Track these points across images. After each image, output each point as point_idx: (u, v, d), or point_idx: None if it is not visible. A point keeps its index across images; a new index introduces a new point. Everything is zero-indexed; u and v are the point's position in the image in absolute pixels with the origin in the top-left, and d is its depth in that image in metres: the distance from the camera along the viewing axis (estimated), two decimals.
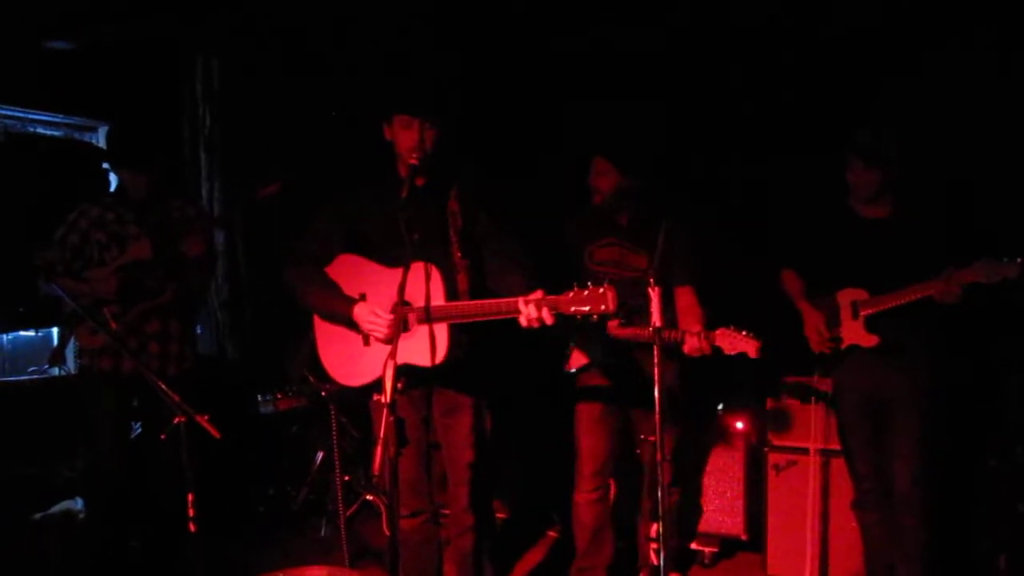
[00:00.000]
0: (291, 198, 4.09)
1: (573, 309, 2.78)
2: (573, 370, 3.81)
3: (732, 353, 3.37)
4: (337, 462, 4.40)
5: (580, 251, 3.83)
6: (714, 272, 3.80)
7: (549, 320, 2.83)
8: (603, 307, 2.75)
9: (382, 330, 3.04)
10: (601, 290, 2.75)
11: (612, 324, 3.61)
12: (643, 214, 3.75)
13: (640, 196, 3.74)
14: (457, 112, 3.71)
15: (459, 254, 3.16)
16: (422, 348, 3.01)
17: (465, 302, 3.02)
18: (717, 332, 3.38)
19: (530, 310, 2.83)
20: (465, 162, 3.51)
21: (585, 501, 3.79)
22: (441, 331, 3.01)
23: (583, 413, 3.80)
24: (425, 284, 2.99)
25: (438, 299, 3.01)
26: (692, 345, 3.44)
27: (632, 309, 3.55)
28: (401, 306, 2.79)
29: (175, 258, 3.90)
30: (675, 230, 3.67)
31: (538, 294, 2.84)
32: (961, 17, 4.21)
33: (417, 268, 2.96)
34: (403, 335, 2.98)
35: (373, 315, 3.06)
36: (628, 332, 3.60)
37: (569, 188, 4.58)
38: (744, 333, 3.34)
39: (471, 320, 2.98)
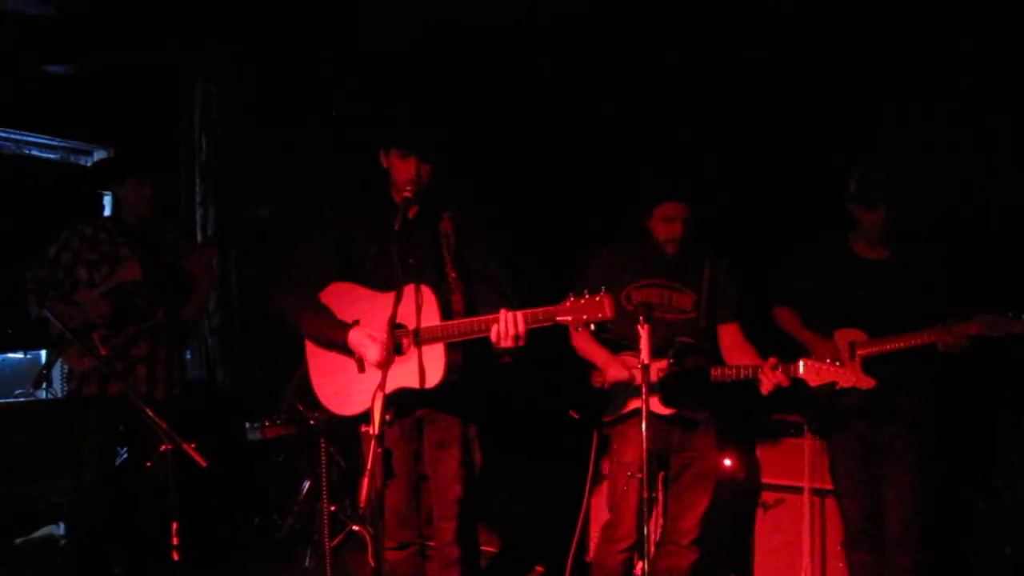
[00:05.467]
0: (284, 225, 4.10)
1: (571, 318, 2.77)
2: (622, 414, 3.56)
3: (817, 385, 3.24)
4: (325, 492, 4.37)
5: (615, 291, 3.53)
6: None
7: (522, 328, 2.81)
8: (600, 315, 2.73)
9: (374, 355, 3.02)
10: (598, 298, 2.73)
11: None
12: (688, 253, 3.58)
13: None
14: (453, 143, 3.71)
15: (454, 275, 3.15)
16: (418, 370, 3.00)
17: (457, 321, 3.00)
18: (799, 362, 3.24)
19: (507, 326, 2.82)
20: (464, 187, 3.51)
21: (622, 559, 3.56)
22: (437, 352, 2.99)
23: (625, 468, 3.49)
24: (417, 306, 2.98)
25: (433, 319, 2.99)
26: (772, 380, 3.27)
27: (681, 348, 3.46)
28: (394, 329, 2.79)
29: (166, 282, 3.90)
30: (718, 266, 3.61)
31: (519, 312, 2.83)
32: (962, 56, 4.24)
33: (410, 291, 2.96)
34: (399, 358, 2.98)
35: (368, 338, 3.04)
36: (732, 373, 3.43)
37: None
38: (829, 362, 3.20)
39: (464, 338, 2.95)
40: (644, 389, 2.85)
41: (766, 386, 3.30)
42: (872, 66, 4.42)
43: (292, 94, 5.55)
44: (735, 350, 3.58)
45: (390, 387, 2.68)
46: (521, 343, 2.85)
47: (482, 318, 2.92)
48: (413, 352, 3.00)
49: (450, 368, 2.99)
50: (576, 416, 3.69)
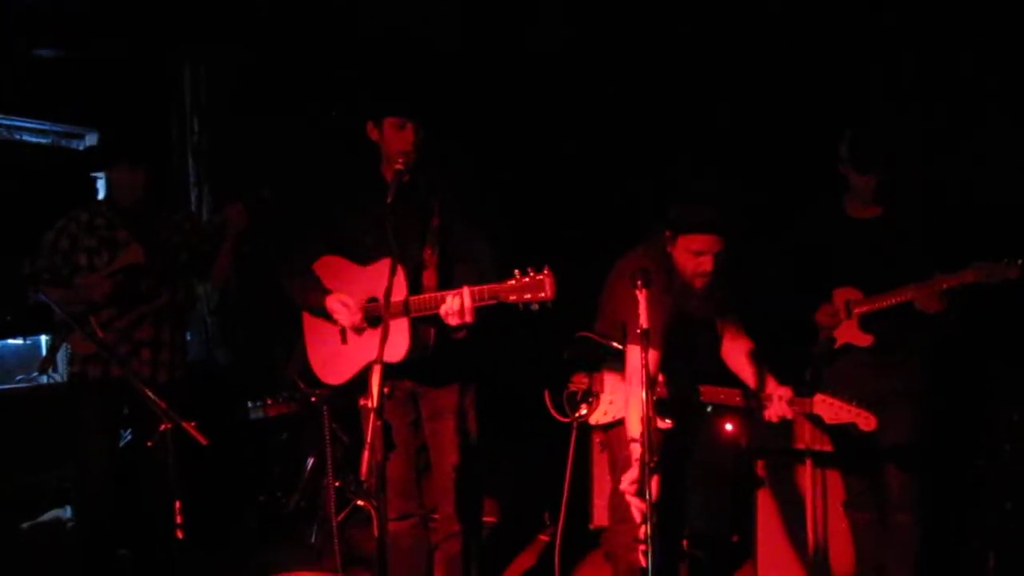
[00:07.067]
0: (281, 205, 4.09)
1: (513, 297, 2.78)
2: (597, 423, 3.43)
3: (833, 423, 3.12)
4: (331, 467, 4.38)
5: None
6: None
7: (469, 312, 2.86)
8: (542, 295, 2.74)
9: (346, 319, 3.12)
10: (540, 276, 2.74)
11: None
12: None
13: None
14: (450, 124, 3.70)
15: (430, 251, 3.17)
16: (388, 344, 3.02)
17: (416, 297, 3.03)
18: (815, 399, 3.11)
19: (453, 302, 2.86)
20: (456, 163, 3.51)
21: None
22: (401, 327, 3.03)
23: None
24: (389, 280, 2.98)
25: (400, 295, 3.02)
26: (776, 413, 3.15)
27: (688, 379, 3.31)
28: (370, 303, 2.90)
29: (167, 263, 3.90)
30: (728, 278, 3.35)
31: (465, 289, 2.86)
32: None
33: (387, 264, 2.97)
34: (373, 332, 3.04)
35: (340, 303, 3.13)
36: (710, 393, 3.28)
37: None
38: (846, 400, 3.06)
39: (422, 313, 3.00)
40: (642, 352, 2.79)
41: (771, 415, 3.19)
42: (862, 31, 4.41)
43: (285, 75, 5.51)
44: (734, 342, 3.48)
45: (362, 361, 2.71)
46: (467, 319, 2.87)
47: (439, 294, 2.96)
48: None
49: (415, 343, 3.04)
50: (558, 417, 3.60)
